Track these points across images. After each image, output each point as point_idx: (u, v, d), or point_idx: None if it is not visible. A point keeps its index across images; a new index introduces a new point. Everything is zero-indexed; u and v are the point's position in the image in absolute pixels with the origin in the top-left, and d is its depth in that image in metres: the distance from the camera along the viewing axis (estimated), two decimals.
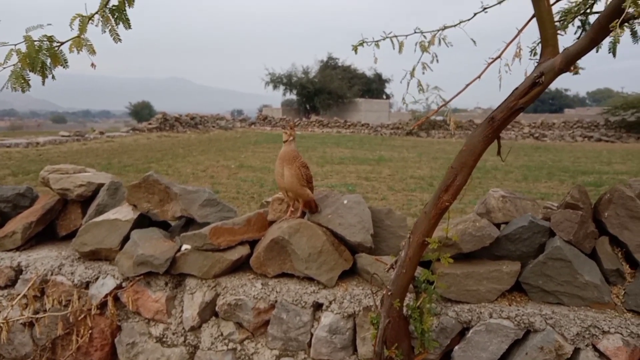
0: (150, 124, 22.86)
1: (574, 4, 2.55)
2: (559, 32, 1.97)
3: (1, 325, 2.71)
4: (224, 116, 30.49)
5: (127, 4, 1.76)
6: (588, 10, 2.57)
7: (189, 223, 2.97)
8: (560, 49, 1.79)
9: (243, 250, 2.68)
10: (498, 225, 2.47)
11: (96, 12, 1.73)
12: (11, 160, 10.95)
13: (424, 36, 2.47)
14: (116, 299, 2.77)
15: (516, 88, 1.82)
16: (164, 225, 3.09)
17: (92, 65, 1.82)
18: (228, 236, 2.66)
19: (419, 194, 7.38)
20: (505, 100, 1.84)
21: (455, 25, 2.45)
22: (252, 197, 6.82)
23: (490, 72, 2.19)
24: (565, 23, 2.55)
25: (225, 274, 2.66)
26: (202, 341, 2.66)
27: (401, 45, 2.48)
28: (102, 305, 2.79)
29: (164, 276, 2.71)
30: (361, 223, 2.60)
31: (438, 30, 2.46)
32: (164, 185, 2.90)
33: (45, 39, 1.77)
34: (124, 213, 2.95)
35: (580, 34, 2.61)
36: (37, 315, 2.80)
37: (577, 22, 2.62)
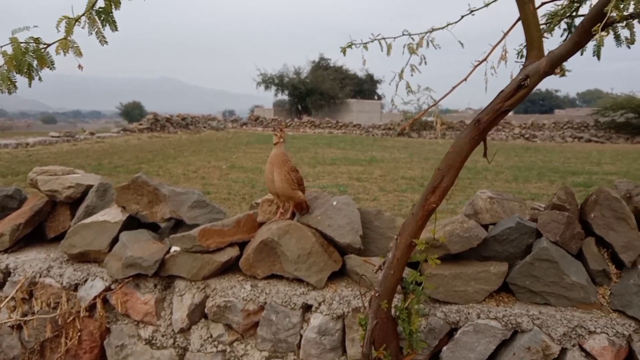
0: (141, 124, 22.76)
1: (560, 7, 2.58)
2: (545, 35, 1.99)
3: None
4: (215, 117, 30.36)
5: (113, 7, 1.76)
6: (574, 13, 2.60)
7: (178, 225, 2.96)
8: (546, 52, 1.81)
9: (232, 252, 2.68)
10: (486, 227, 2.49)
11: (83, 14, 1.73)
12: (0, 162, 10.86)
13: (412, 38, 2.49)
14: (105, 301, 2.76)
15: (502, 91, 1.84)
16: (153, 227, 3.08)
17: (79, 66, 1.82)
18: (217, 238, 2.66)
19: (410, 194, 7.41)
20: (491, 102, 1.85)
21: (442, 28, 2.46)
22: (243, 198, 6.81)
23: (479, 74, 2.21)
24: (552, 26, 2.58)
25: (214, 276, 2.65)
26: (192, 343, 2.65)
27: (389, 47, 2.49)
28: (91, 308, 2.78)
29: (153, 278, 2.70)
30: (350, 224, 2.60)
31: (426, 33, 2.47)
32: (153, 187, 2.90)
33: (31, 41, 1.76)
34: (113, 215, 2.94)
35: (567, 37, 2.63)
36: (26, 318, 2.78)
37: (563, 25, 2.65)
